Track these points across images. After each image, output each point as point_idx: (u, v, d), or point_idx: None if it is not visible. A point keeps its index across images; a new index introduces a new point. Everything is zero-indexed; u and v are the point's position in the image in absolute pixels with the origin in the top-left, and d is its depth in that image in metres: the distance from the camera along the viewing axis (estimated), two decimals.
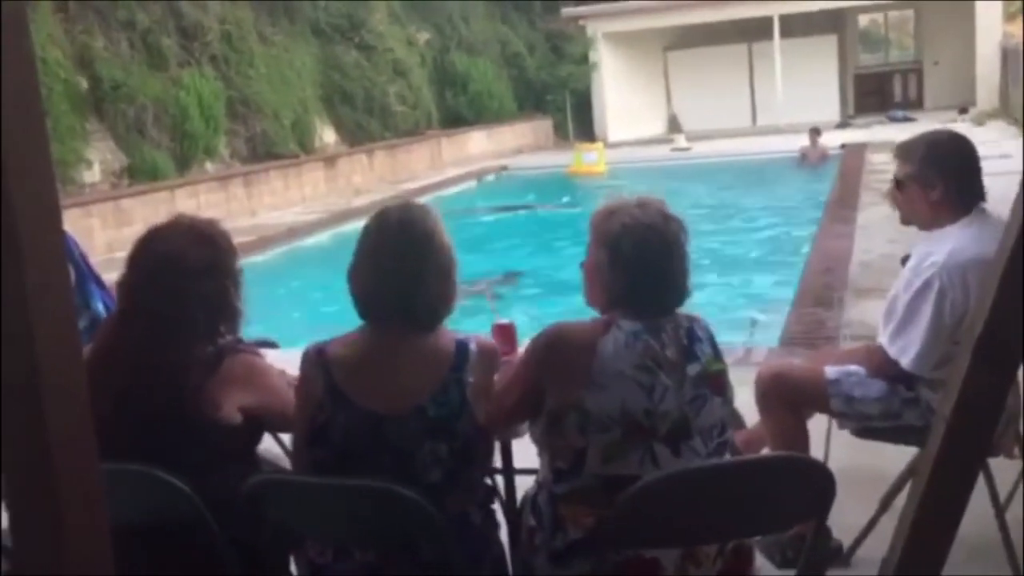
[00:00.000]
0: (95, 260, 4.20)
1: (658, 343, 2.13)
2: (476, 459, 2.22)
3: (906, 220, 3.13)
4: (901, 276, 3.04)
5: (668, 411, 2.09)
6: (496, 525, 2.34)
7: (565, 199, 14.88)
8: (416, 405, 2.14)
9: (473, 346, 2.22)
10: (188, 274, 2.31)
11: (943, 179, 2.94)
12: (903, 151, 3.08)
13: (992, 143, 15.86)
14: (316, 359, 2.21)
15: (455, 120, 21.70)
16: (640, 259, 2.18)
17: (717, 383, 2.19)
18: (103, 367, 2.27)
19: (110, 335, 2.41)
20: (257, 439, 2.47)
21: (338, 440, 2.15)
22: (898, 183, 3.05)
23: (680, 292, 2.22)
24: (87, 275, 3.81)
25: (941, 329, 2.85)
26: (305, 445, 2.22)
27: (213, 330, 2.38)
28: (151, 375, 2.29)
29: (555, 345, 2.18)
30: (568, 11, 23.51)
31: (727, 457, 2.19)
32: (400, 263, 2.19)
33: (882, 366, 3.00)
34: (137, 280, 2.37)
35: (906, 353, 2.92)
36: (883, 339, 3.01)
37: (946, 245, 2.88)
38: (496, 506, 2.40)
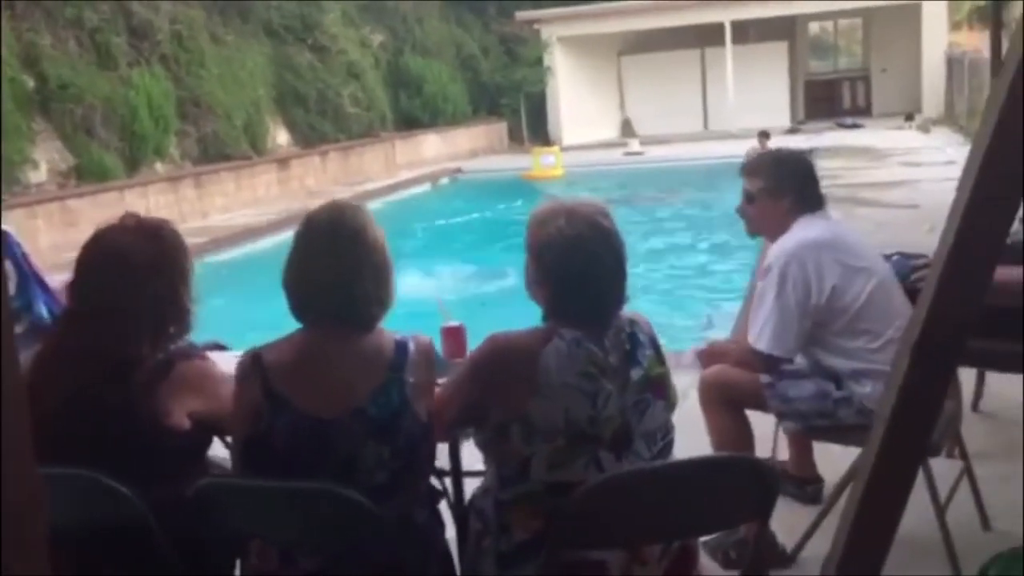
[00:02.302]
0: (39, 262, 4.13)
1: (600, 349, 2.13)
2: (419, 459, 2.21)
3: (754, 231, 3.40)
4: None
5: (611, 417, 2.09)
6: (441, 525, 2.34)
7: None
8: (356, 407, 2.12)
9: (412, 345, 2.20)
10: (135, 271, 2.29)
11: (792, 189, 3.21)
12: (752, 168, 3.35)
13: (937, 149, 16.23)
14: (252, 365, 2.17)
15: (409, 122, 21.65)
16: (565, 273, 2.16)
17: (659, 387, 2.19)
18: (52, 367, 2.25)
19: (58, 334, 2.38)
20: (207, 445, 2.45)
21: (279, 445, 2.12)
22: (749, 197, 3.28)
23: (613, 301, 2.20)
24: (29, 276, 3.74)
25: (785, 306, 3.06)
26: (244, 452, 2.19)
27: (162, 329, 2.35)
28: (99, 374, 2.26)
29: (497, 359, 2.16)
30: (522, 15, 23.57)
31: (671, 459, 2.19)
32: (332, 263, 2.16)
33: (749, 360, 3.16)
34: (85, 279, 2.34)
35: (761, 336, 3.11)
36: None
37: (783, 238, 3.17)
38: (442, 506, 2.39)
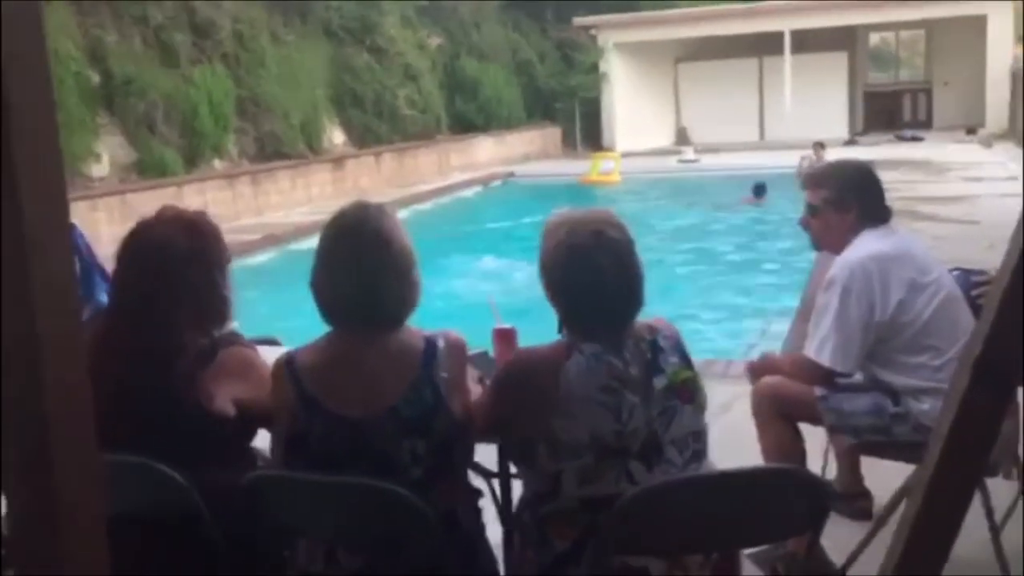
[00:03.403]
0: (100, 253, 4.21)
1: (621, 362, 2.10)
2: (456, 454, 2.21)
3: (819, 245, 3.32)
4: None
5: (637, 428, 2.07)
6: (483, 527, 2.34)
7: None
8: (389, 406, 2.13)
9: (441, 342, 2.20)
10: (175, 261, 2.34)
11: (857, 201, 3.13)
12: (814, 179, 3.29)
13: (999, 164, 15.91)
14: (285, 368, 2.20)
15: (464, 125, 21.74)
16: (568, 285, 2.15)
17: (686, 392, 2.15)
18: (96, 359, 2.29)
19: (102, 327, 2.43)
20: (252, 433, 2.48)
21: (315, 447, 2.14)
22: (813, 209, 3.21)
23: (623, 312, 2.16)
24: (92, 267, 3.82)
25: (848, 320, 2.99)
26: (283, 455, 2.22)
27: (203, 319, 2.39)
28: (143, 363, 2.31)
29: (518, 379, 2.16)
30: (580, 20, 23.55)
31: (705, 463, 2.16)
32: (356, 264, 2.18)
33: (807, 372, 3.10)
34: (125, 271, 2.41)
35: (823, 350, 3.04)
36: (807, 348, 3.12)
37: (848, 250, 3.09)
38: (483, 505, 2.40)
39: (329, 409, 2.14)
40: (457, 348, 2.23)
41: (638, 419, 2.07)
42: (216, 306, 2.42)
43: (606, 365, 2.09)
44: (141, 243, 2.40)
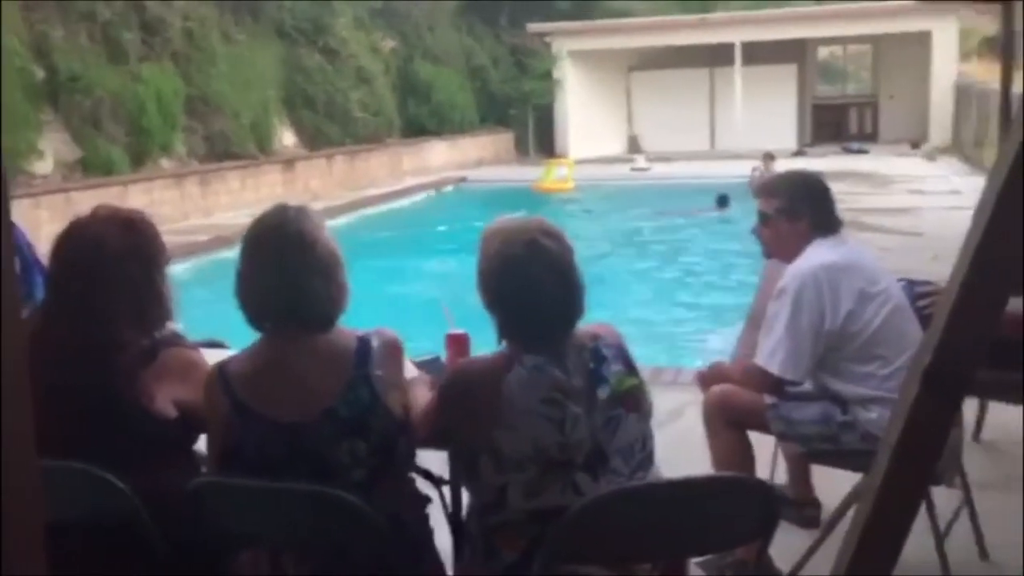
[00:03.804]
0: (42, 252, 4.12)
1: (563, 372, 2.07)
2: (397, 453, 2.19)
3: (770, 253, 3.35)
4: None
5: (581, 440, 2.05)
6: (431, 533, 2.32)
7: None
8: (326, 408, 2.11)
9: (375, 341, 2.18)
10: (110, 258, 2.30)
11: (808, 211, 3.17)
12: (766, 189, 3.33)
13: (942, 178, 16.26)
14: (217, 378, 2.17)
15: (417, 129, 21.67)
16: (502, 296, 2.13)
17: (631, 400, 2.12)
18: (34, 356, 2.23)
19: (37, 326, 2.37)
20: (194, 437, 2.43)
21: (252, 455, 2.11)
22: (764, 218, 3.25)
23: (561, 322, 2.13)
24: (33, 266, 3.73)
25: (799, 329, 3.01)
26: (218, 464, 2.18)
27: (142, 317, 2.35)
28: (79, 362, 2.26)
29: (459, 391, 2.14)
30: (534, 27, 23.61)
31: (652, 471, 2.15)
32: (278, 266, 2.15)
33: (757, 381, 3.12)
34: (59, 270, 2.37)
35: (773, 358, 3.06)
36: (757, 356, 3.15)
37: (799, 260, 3.13)
38: (436, 513, 2.38)
39: (263, 415, 2.11)
40: (392, 345, 2.21)
41: (582, 430, 2.05)
42: (155, 305, 2.38)
43: (548, 378, 2.06)
44: (75, 241, 2.36)
